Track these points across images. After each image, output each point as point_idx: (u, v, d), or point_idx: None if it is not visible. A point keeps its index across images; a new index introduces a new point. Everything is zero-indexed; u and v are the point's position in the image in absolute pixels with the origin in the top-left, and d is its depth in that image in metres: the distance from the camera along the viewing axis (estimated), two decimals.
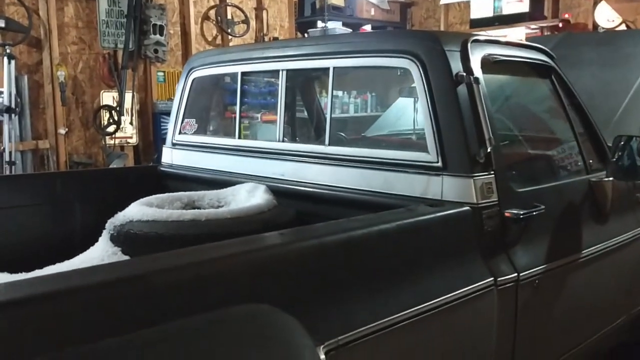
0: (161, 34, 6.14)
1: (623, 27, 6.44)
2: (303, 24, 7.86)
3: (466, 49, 2.05)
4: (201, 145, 2.94)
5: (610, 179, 2.50)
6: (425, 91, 2.04)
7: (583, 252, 2.31)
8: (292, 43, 3.09)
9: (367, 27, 8.27)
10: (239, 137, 2.85)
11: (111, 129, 5.77)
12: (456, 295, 1.76)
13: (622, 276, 2.66)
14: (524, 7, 7.11)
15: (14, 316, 1.01)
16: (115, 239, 2.03)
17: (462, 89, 2.00)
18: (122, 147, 6.07)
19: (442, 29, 8.38)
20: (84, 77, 5.94)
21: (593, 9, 6.82)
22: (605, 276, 2.52)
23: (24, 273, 1.92)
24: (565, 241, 2.28)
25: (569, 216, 2.35)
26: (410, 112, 3.09)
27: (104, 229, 2.09)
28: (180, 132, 3.04)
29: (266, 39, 7.16)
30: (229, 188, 2.44)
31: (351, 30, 7.47)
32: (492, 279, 1.89)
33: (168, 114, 3.17)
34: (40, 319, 1.03)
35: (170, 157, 3.07)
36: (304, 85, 3.24)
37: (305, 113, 3.29)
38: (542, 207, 2.07)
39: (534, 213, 2.03)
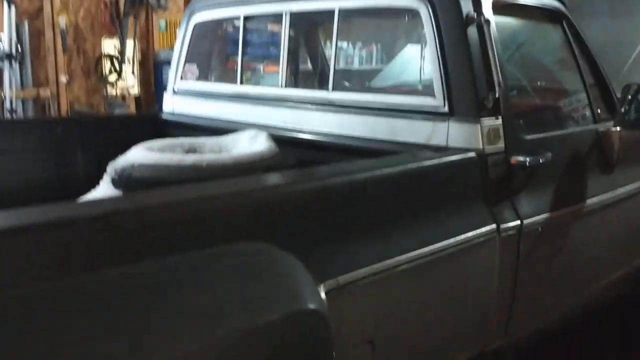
0: None
1: None
2: None
3: None
4: (202, 93, 2.90)
5: (618, 128, 2.47)
6: (434, 32, 1.99)
7: (588, 201, 2.29)
8: None
9: None
10: (241, 83, 2.81)
11: (112, 77, 5.72)
12: (458, 241, 1.76)
13: (627, 227, 2.65)
14: None
15: (20, 243, 1.06)
16: (116, 183, 2.03)
17: (472, 31, 1.95)
18: (123, 97, 6.03)
19: None
20: (85, 25, 5.85)
21: None
22: (609, 227, 2.50)
23: None
24: (571, 190, 2.26)
25: (576, 165, 2.32)
26: (416, 62, 3.04)
27: (105, 173, 2.09)
28: (181, 78, 3.00)
29: None
30: (230, 135, 2.41)
31: None
32: (494, 225, 1.88)
33: (169, 64, 3.12)
34: (45, 247, 1.07)
35: (172, 104, 3.03)
36: (307, 31, 3.17)
37: (309, 62, 3.23)
38: (549, 154, 2.04)
39: (541, 160, 2.01)
